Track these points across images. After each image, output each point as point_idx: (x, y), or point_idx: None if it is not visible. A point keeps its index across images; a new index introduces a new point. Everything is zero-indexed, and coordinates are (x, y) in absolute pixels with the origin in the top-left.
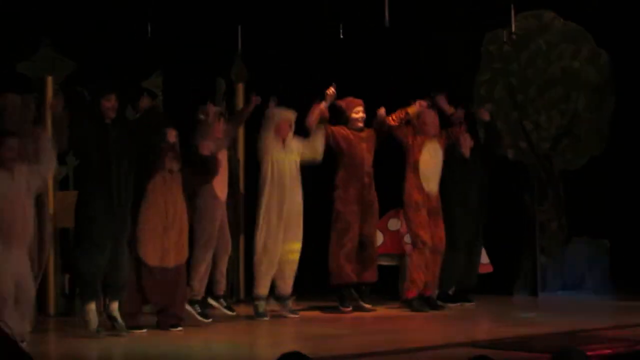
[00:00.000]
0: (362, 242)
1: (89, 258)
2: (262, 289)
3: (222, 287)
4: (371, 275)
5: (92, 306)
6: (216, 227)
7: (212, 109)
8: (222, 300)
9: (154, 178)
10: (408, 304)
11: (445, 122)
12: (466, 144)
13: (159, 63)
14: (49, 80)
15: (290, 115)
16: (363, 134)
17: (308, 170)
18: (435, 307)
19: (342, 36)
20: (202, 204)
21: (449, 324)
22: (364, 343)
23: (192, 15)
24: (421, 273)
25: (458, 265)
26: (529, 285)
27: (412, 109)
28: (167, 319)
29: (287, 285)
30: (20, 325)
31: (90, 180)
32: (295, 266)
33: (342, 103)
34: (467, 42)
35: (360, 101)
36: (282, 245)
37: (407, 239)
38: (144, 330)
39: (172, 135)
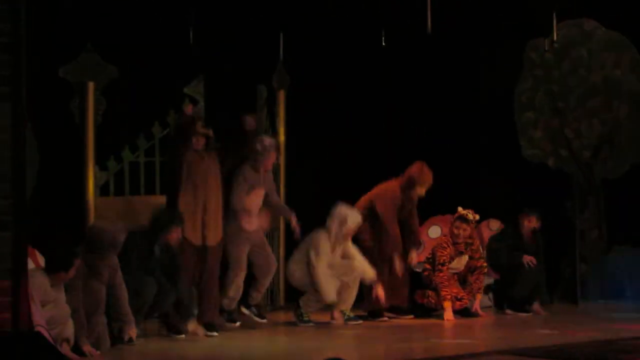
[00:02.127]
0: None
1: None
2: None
3: (255, 301)
4: (402, 301)
5: None
6: (244, 251)
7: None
8: (253, 308)
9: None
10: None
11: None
12: None
13: (201, 69)
14: (91, 85)
15: (360, 218)
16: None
17: None
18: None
19: (384, 43)
20: (229, 231)
21: (490, 331)
22: (404, 350)
23: (234, 21)
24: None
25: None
26: (568, 294)
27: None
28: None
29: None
30: None
31: None
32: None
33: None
34: (508, 50)
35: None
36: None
37: None
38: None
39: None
